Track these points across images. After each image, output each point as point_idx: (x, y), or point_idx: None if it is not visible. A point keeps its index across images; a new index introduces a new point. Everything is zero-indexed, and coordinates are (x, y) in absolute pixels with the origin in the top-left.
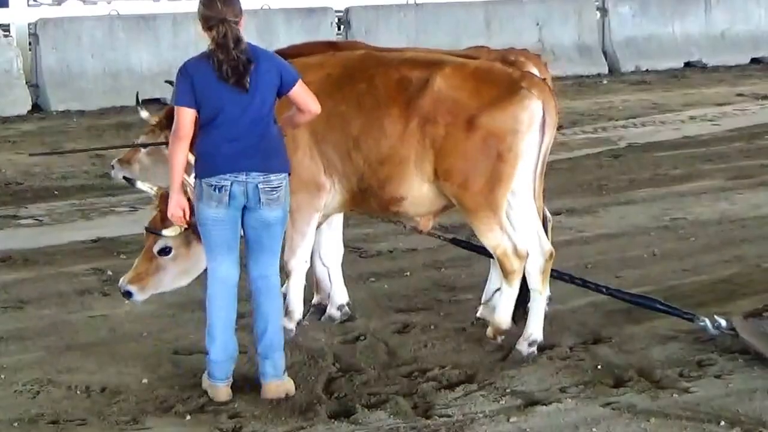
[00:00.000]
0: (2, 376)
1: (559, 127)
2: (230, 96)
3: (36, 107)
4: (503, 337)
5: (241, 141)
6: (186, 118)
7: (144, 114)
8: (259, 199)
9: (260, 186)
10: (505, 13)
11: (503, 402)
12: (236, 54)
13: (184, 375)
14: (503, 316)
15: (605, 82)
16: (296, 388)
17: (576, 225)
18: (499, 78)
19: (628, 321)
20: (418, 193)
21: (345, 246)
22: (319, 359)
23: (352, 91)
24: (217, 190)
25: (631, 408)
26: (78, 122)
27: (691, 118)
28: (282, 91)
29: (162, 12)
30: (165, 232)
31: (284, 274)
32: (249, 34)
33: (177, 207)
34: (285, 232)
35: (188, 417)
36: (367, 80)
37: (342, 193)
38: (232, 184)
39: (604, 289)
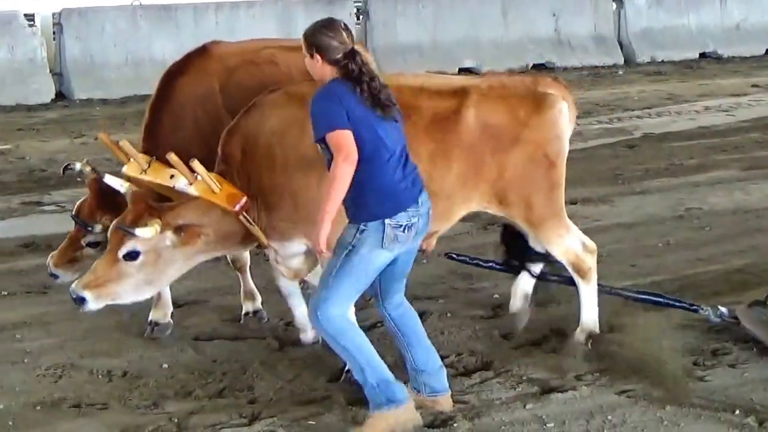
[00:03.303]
0: (25, 360)
1: (575, 117)
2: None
3: (59, 96)
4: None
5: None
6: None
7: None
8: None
9: (429, 211)
10: (521, 4)
11: (519, 389)
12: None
13: (204, 360)
14: (592, 317)
15: (621, 72)
16: (314, 375)
17: (591, 214)
18: (521, 90)
19: (643, 309)
20: (451, 224)
21: None
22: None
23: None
24: (405, 230)
25: (647, 396)
26: (101, 111)
27: (706, 108)
28: None
29: (183, 2)
30: (139, 231)
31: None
32: (268, 24)
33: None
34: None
35: (208, 401)
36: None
37: None
38: (418, 219)
39: (608, 289)
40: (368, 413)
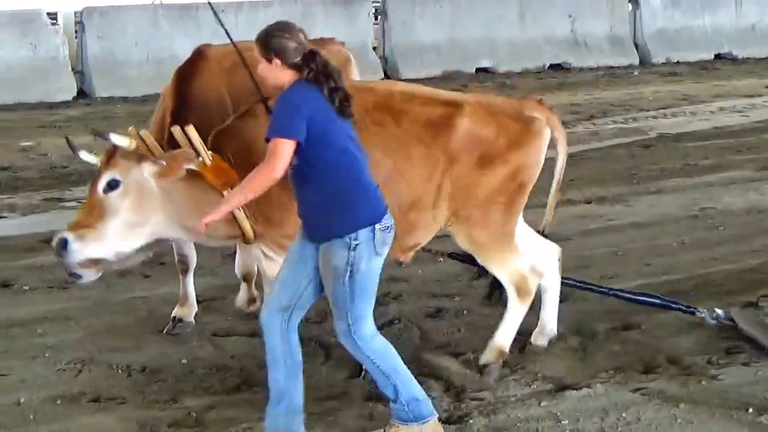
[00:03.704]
0: (46, 355)
1: (591, 117)
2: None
3: (81, 93)
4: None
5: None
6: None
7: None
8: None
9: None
10: (538, 5)
11: (534, 386)
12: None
13: (223, 356)
14: (508, 338)
15: (636, 73)
16: (331, 371)
17: (607, 213)
18: (509, 111)
19: (657, 308)
20: (431, 237)
21: None
22: None
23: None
24: (390, 230)
25: (661, 394)
26: (122, 108)
27: (721, 109)
28: None
29: (204, 1)
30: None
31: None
32: None
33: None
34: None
35: (225, 397)
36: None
37: None
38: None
39: (607, 290)
40: (392, 420)
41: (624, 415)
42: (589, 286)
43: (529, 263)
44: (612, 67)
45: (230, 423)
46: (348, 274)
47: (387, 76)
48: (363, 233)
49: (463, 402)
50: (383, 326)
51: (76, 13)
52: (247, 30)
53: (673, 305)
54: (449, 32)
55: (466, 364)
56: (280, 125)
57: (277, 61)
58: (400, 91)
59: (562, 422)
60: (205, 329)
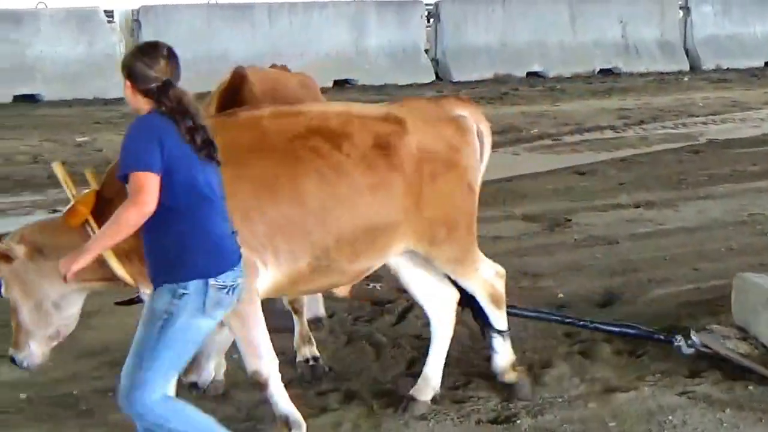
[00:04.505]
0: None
1: (640, 122)
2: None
3: None
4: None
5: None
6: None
7: None
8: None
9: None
10: (589, 11)
11: (581, 388)
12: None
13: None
14: (508, 349)
15: (686, 79)
16: (381, 369)
17: (655, 218)
18: (440, 114)
19: (705, 312)
20: (384, 261)
21: None
22: (401, 342)
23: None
24: (230, 292)
25: (707, 398)
26: None
27: None
28: None
29: (258, 1)
30: None
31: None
32: (340, 25)
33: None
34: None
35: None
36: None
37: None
38: (240, 281)
39: (585, 323)
40: None
41: (670, 418)
42: (571, 320)
43: (491, 267)
44: (662, 73)
45: None
46: (162, 321)
47: (438, 79)
48: (193, 284)
49: (511, 402)
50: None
51: (132, 11)
52: (300, 31)
53: (653, 336)
54: (501, 36)
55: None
56: (139, 157)
57: (128, 84)
58: (335, 112)
59: (609, 424)
60: None
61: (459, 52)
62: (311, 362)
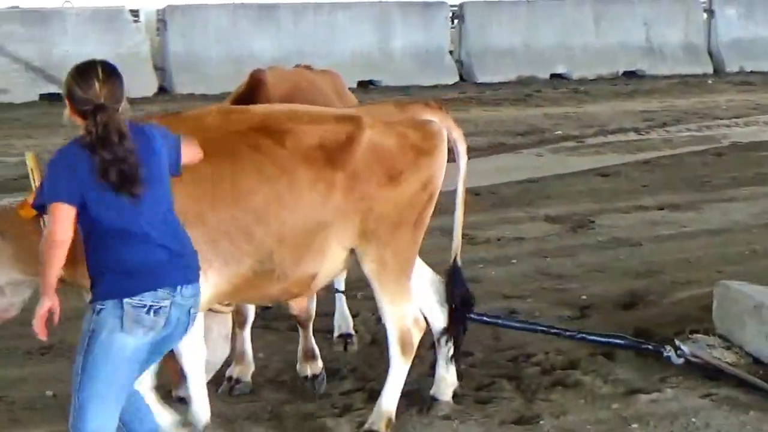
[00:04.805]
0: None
1: (664, 124)
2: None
3: (162, 90)
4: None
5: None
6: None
7: None
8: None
9: (193, 310)
10: (613, 12)
11: (604, 389)
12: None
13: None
14: (394, 402)
15: (710, 81)
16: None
17: (678, 220)
18: (406, 118)
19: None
20: (332, 265)
21: None
22: (424, 342)
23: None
24: (151, 312)
25: (730, 400)
26: (201, 105)
27: None
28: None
29: (283, 2)
30: None
31: None
32: (365, 25)
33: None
34: None
35: (301, 392)
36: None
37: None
38: (171, 306)
39: (575, 334)
40: None
41: (693, 420)
42: (558, 330)
43: (413, 313)
44: (686, 76)
45: (305, 418)
46: (87, 339)
47: (462, 80)
48: (110, 302)
49: (534, 403)
50: None
51: (158, 10)
52: (325, 32)
53: (642, 346)
54: (525, 37)
55: (537, 366)
56: (51, 187)
57: (66, 103)
58: (282, 110)
59: (632, 425)
60: (282, 324)
61: (483, 54)
62: (310, 378)
